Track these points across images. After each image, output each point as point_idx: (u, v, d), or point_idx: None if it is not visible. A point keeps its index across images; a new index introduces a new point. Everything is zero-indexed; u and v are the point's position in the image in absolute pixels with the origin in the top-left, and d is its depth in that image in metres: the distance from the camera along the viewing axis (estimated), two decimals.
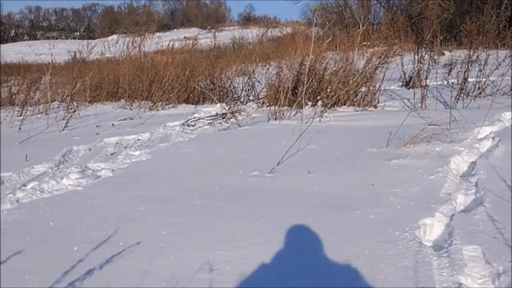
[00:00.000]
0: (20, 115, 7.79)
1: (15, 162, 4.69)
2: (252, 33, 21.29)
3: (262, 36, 20.56)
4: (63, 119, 7.24)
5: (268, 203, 3.37)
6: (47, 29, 62.08)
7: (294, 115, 6.71)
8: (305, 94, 6.67)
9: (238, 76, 9.69)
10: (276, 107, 6.75)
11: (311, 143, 4.90)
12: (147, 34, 17.46)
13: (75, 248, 2.69)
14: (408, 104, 7.00)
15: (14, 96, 10.34)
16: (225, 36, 25.44)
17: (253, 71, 8.68)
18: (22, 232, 2.94)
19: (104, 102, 9.73)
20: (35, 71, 14.38)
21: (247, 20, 58.02)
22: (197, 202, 3.44)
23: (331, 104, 7.02)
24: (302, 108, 6.78)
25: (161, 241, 2.78)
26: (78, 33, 59.63)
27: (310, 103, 6.83)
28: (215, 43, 13.67)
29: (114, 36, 29.97)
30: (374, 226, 2.87)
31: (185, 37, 18.16)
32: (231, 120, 6.78)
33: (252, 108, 7.79)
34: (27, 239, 2.83)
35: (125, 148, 5.52)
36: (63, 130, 6.77)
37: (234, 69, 9.96)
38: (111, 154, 5.20)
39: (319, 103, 6.72)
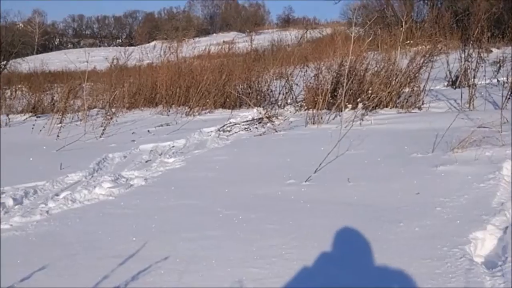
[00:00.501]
0: (60, 123, 7.88)
1: (50, 170, 4.69)
2: (291, 35, 21.11)
3: (300, 38, 20.37)
4: (101, 126, 7.26)
5: (304, 214, 3.17)
6: (90, 37, 63.90)
7: (333, 119, 6.48)
8: (345, 96, 6.44)
9: (276, 79, 9.52)
10: (314, 111, 6.53)
11: (351, 148, 4.68)
12: (185, 39, 17.54)
13: (101, 263, 2.58)
14: (455, 105, 6.63)
15: (55, 104, 10.53)
16: (264, 39, 25.32)
17: (290, 74, 8.48)
18: (49, 246, 2.86)
19: (142, 108, 9.77)
20: (77, 79, 14.74)
21: (286, 22, 57.72)
22: (230, 212, 3.28)
23: (373, 107, 6.74)
24: (341, 111, 6.53)
25: (190, 256, 2.63)
26: (120, 40, 61.03)
27: (350, 105, 6.58)
28: (252, 46, 13.53)
29: (154, 43, 30.44)
30: (419, 241, 2.63)
31: (224, 41, 18.17)
32: (268, 125, 6.61)
33: (290, 112, 7.61)
34: (54, 253, 2.74)
35: (160, 155, 5.45)
36: (100, 137, 6.79)
37: (271, 72, 9.80)
38: (146, 162, 5.13)
39: (360, 105, 6.46)
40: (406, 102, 7.07)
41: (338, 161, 4.30)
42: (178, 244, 2.81)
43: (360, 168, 4.14)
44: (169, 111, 8.97)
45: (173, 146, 5.78)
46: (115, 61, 12.50)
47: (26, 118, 9.62)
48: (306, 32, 22.23)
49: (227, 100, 8.91)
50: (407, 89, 7.20)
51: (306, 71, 8.00)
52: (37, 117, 9.64)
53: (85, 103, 8.86)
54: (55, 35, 59.70)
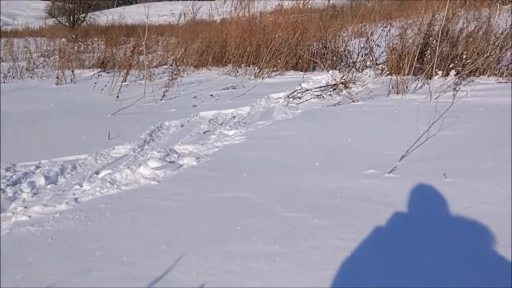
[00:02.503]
0: (124, 81, 7.49)
1: (97, 140, 4.27)
2: None
3: None
4: (165, 86, 6.79)
5: (390, 225, 2.43)
6: None
7: (421, 88, 5.54)
8: (436, 61, 5.50)
9: (354, 38, 8.56)
10: (398, 77, 5.61)
11: (444, 127, 3.85)
12: None
13: None
14: None
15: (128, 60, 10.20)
16: None
17: (371, 33, 7.50)
18: (63, 253, 2.31)
19: (210, 67, 9.21)
20: (153, 33, 14.36)
21: None
22: (292, 215, 2.60)
23: (467, 74, 5.71)
24: (430, 78, 5.60)
25: (232, 284, 2.02)
26: None
27: (440, 72, 5.62)
28: (329, 1, 12.43)
29: None
30: None
31: None
32: (344, 92, 5.79)
33: (369, 76, 6.71)
34: (66, 266, 2.19)
35: (220, 125, 4.88)
36: (161, 100, 6.31)
37: (350, 31, 8.82)
38: (204, 133, 4.58)
39: (452, 72, 5.49)
40: (507, 69, 5.96)
41: (428, 145, 3.51)
42: (220, 262, 2.17)
43: (457, 156, 3.32)
44: (237, 71, 8.34)
45: (234, 117, 5.18)
46: (182, 16, 11.93)
47: (94, 74, 9.37)
48: None
49: (300, 61, 8.11)
50: (508, 54, 6.08)
51: (389, 30, 6.99)
52: (106, 73, 9.33)
53: (145, 59, 8.41)
54: None
